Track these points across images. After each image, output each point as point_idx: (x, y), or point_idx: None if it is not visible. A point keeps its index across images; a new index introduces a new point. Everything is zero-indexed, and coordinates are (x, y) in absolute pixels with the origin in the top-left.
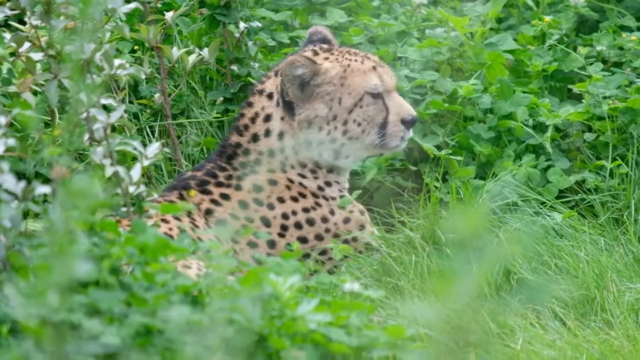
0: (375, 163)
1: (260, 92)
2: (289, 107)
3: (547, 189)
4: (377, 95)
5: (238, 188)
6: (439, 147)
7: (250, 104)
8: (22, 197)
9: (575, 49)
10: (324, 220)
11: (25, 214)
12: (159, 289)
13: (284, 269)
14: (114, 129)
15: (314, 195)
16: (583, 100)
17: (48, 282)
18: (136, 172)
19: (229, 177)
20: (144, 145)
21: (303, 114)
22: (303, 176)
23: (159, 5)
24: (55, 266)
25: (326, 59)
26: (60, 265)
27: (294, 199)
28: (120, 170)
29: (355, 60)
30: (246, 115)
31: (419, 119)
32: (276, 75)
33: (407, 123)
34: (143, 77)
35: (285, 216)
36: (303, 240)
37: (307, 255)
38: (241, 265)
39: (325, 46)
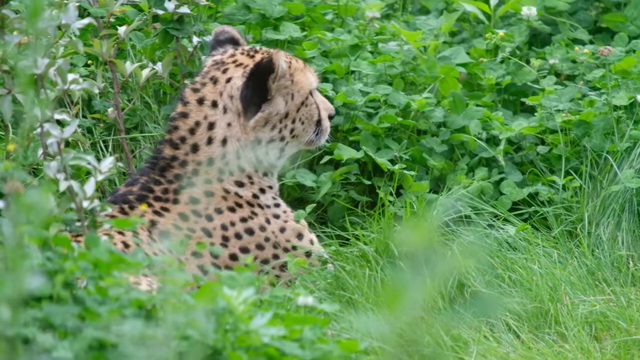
0: (329, 177)
1: (200, 101)
2: (246, 108)
3: (500, 201)
4: (311, 93)
5: (176, 202)
6: (392, 162)
7: (185, 115)
8: None
9: (528, 62)
10: (262, 229)
11: None
12: (112, 303)
13: (237, 282)
14: (67, 143)
15: (250, 204)
16: (536, 114)
17: (1, 296)
18: (90, 186)
19: (166, 191)
20: (98, 159)
21: (266, 111)
22: (240, 184)
23: (112, 20)
24: (8, 280)
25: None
26: (13, 280)
27: (231, 209)
28: (74, 184)
29: (289, 59)
30: (181, 128)
31: (373, 133)
32: (214, 82)
33: (331, 119)
34: (96, 91)
35: (224, 227)
36: (244, 250)
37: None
38: (195, 280)
39: (250, 47)
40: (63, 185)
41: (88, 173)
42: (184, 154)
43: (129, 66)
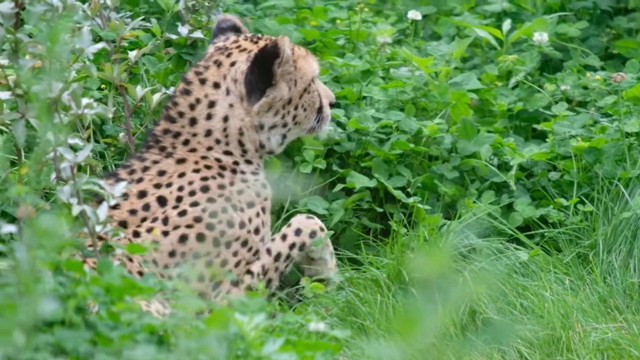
0: (341, 205)
1: (202, 81)
2: (250, 93)
3: (512, 218)
4: (313, 81)
5: (140, 181)
6: (404, 189)
7: (186, 92)
8: None
9: (542, 87)
10: (221, 187)
11: None
12: (124, 329)
13: (249, 308)
14: (79, 168)
15: (222, 167)
16: (547, 140)
17: (14, 321)
18: (103, 211)
19: (132, 172)
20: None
21: (270, 96)
22: (228, 152)
23: (125, 44)
24: (21, 305)
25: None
26: (26, 305)
27: (196, 171)
28: (87, 209)
29: (292, 46)
30: (181, 104)
31: (384, 159)
32: (218, 66)
33: (332, 106)
34: (110, 116)
35: (180, 188)
36: (194, 204)
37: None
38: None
39: (252, 34)
40: (76, 210)
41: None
42: (179, 127)
43: (139, 90)
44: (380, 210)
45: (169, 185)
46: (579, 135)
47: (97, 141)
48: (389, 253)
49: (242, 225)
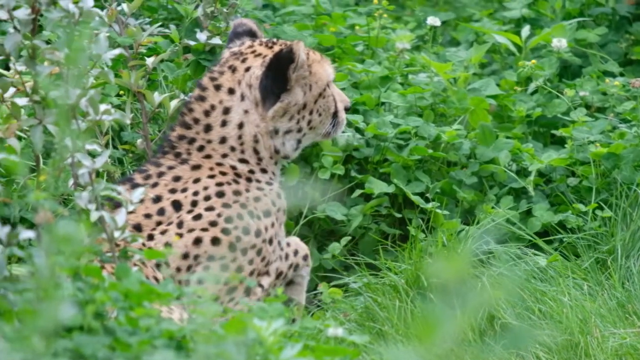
0: (360, 211)
1: (217, 87)
2: (265, 98)
3: (531, 223)
4: (328, 85)
5: (155, 185)
6: (422, 194)
7: (201, 98)
8: (6, 242)
9: (560, 93)
10: (236, 193)
11: (10, 259)
12: (143, 334)
13: (267, 313)
14: (97, 174)
15: (237, 174)
16: (566, 146)
17: (33, 326)
18: (121, 217)
19: (147, 177)
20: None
21: (285, 101)
22: (243, 160)
23: (144, 51)
24: (40, 311)
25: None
26: (45, 310)
27: (211, 177)
28: (105, 215)
29: (307, 51)
30: (196, 110)
31: (403, 165)
32: (233, 71)
33: (347, 110)
34: (128, 122)
35: (195, 193)
36: (210, 209)
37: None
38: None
39: (268, 38)
40: (94, 216)
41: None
42: (194, 133)
43: (157, 97)
44: (398, 215)
45: (184, 190)
46: (598, 141)
47: (115, 147)
48: (407, 258)
49: (258, 233)
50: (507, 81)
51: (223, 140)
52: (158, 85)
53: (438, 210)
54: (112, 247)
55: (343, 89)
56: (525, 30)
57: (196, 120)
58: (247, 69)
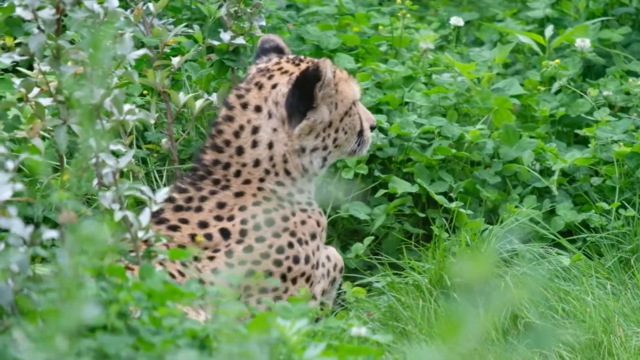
0: (383, 210)
1: (244, 105)
2: (291, 116)
3: (554, 223)
4: (354, 104)
5: (199, 210)
6: (446, 194)
7: (230, 118)
8: (30, 241)
9: (584, 93)
10: (285, 219)
11: (33, 259)
12: (166, 333)
13: (291, 313)
14: (121, 174)
15: (280, 199)
16: (590, 145)
17: (56, 326)
18: (145, 217)
19: (189, 200)
20: (152, 190)
21: (311, 119)
22: (280, 183)
23: (167, 51)
24: (64, 311)
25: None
26: (69, 310)
27: (256, 204)
28: (129, 215)
29: (334, 69)
30: (226, 132)
31: (426, 165)
32: (259, 88)
33: (372, 129)
34: (152, 122)
35: (244, 222)
36: (260, 239)
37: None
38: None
39: (295, 55)
40: (118, 216)
41: (139, 203)
42: (228, 157)
43: (182, 96)
44: (422, 215)
45: (230, 218)
46: (621, 140)
47: (139, 147)
48: (430, 258)
49: (307, 260)
50: (531, 81)
51: (257, 164)
52: (182, 85)
53: (462, 210)
54: (136, 247)
55: (367, 89)
56: (549, 30)
57: (227, 143)
58: (274, 86)
